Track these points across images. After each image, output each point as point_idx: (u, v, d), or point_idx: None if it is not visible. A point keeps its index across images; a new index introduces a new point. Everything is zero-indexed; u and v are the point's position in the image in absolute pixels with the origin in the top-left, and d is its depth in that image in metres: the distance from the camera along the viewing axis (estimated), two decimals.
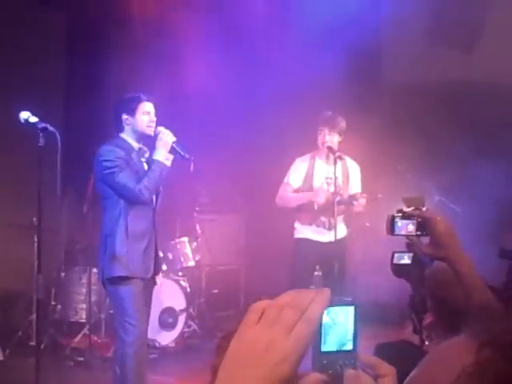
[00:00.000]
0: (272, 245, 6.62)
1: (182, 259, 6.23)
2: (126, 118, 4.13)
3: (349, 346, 0.86)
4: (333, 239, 5.01)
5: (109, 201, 4.09)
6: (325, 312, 0.80)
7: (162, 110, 4.26)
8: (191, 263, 6.29)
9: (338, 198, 5.00)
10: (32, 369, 3.84)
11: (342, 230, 5.21)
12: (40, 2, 6.74)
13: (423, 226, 1.82)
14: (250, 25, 6.85)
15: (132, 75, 6.24)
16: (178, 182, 5.24)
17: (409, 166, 6.09)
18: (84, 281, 5.87)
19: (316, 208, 5.08)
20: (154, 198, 4.20)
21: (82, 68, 6.70)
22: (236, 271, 7.47)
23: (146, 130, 4.13)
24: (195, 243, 6.37)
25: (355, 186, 5.29)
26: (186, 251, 6.28)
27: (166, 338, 5.89)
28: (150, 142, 4.19)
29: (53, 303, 5.90)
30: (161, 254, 5.00)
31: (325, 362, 0.84)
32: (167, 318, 5.89)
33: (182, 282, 6.12)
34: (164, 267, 5.85)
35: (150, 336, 4.59)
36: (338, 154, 5.02)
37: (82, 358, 5.54)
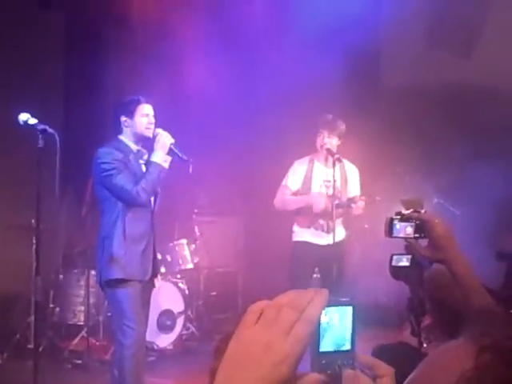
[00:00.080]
0: (271, 247, 6.62)
1: (181, 261, 6.22)
2: (125, 120, 4.13)
3: (347, 346, 0.86)
4: (331, 242, 5.00)
5: (107, 203, 4.09)
6: (323, 312, 0.80)
7: (161, 110, 4.26)
8: (190, 265, 6.29)
9: (336, 201, 5.01)
10: (30, 371, 3.82)
11: (340, 233, 5.20)
12: (40, 3, 6.74)
13: (421, 228, 1.82)
14: (249, 26, 6.86)
15: (131, 76, 6.24)
16: (177, 184, 5.24)
17: (407, 168, 6.09)
18: (82, 283, 5.86)
19: (314, 212, 5.09)
20: (153, 199, 4.20)
21: (81, 69, 6.70)
22: (234, 273, 7.46)
23: (145, 132, 4.12)
24: (194, 245, 6.37)
25: (354, 188, 5.29)
26: (185, 253, 6.28)
27: (164, 341, 5.88)
28: (148, 143, 4.19)
29: (51, 306, 5.89)
30: (159, 256, 5.00)
31: (323, 362, 0.84)
32: (165, 321, 5.89)
33: (180, 285, 6.11)
34: (162, 269, 5.85)
35: (148, 338, 4.58)
36: (336, 156, 5.02)
37: (80, 361, 5.53)
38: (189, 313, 6.19)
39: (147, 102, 4.16)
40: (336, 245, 5.03)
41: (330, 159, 5.08)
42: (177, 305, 5.97)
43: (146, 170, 4.08)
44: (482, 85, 6.65)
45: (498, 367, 0.91)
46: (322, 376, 0.83)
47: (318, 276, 5.34)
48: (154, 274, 4.26)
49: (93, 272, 5.36)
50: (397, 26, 7.00)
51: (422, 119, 6.51)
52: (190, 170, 4.32)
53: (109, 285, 4.06)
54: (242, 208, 7.55)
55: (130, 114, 4.12)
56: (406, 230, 1.85)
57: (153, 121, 4.15)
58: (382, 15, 7.16)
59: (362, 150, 5.51)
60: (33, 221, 4.41)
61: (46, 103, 5.81)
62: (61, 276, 6.00)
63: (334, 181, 5.03)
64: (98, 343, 5.77)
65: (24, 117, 3.76)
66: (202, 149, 5.73)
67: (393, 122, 6.69)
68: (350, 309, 0.86)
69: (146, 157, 4.17)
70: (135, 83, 5.83)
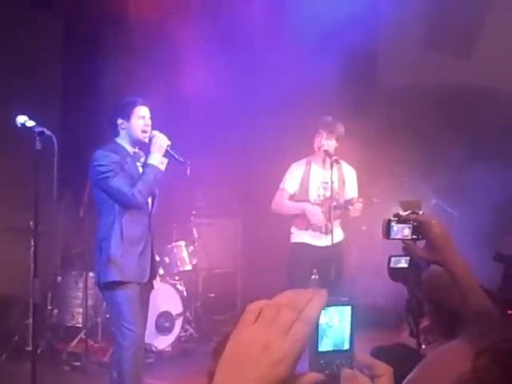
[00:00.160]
0: (269, 249, 6.62)
1: (179, 263, 6.22)
2: (121, 123, 4.13)
3: (346, 346, 0.86)
4: (329, 243, 5.01)
5: (104, 206, 4.09)
6: (323, 312, 0.80)
7: (159, 112, 4.25)
8: (188, 267, 6.28)
9: (334, 203, 5.01)
10: (28, 373, 3.81)
11: (338, 234, 5.21)
12: (38, 5, 6.74)
13: (419, 229, 1.82)
14: (248, 28, 6.86)
15: (130, 78, 6.24)
16: (175, 186, 5.24)
17: (406, 169, 6.09)
18: (80, 285, 5.85)
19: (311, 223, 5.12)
20: (150, 201, 4.19)
21: (79, 70, 6.71)
22: (233, 275, 7.46)
23: (141, 136, 4.12)
24: (192, 247, 6.36)
25: (351, 190, 5.29)
26: (183, 255, 6.27)
27: (163, 342, 5.87)
28: (145, 146, 4.18)
29: (49, 307, 5.88)
30: (157, 258, 5.00)
31: (322, 361, 0.84)
32: (164, 322, 5.88)
33: (178, 286, 6.11)
34: (161, 271, 5.84)
35: (146, 340, 4.57)
36: (334, 157, 5.02)
37: (78, 363, 5.52)
38: (187, 314, 6.19)
39: (143, 104, 4.16)
40: (334, 246, 5.04)
41: (328, 161, 5.09)
42: (175, 306, 5.97)
43: (143, 172, 4.08)
44: (480, 86, 6.66)
45: (495, 370, 0.91)
46: (320, 376, 0.83)
47: (317, 277, 5.34)
48: (153, 275, 4.25)
49: (91, 274, 5.36)
50: (395, 27, 7.00)
51: (420, 120, 6.51)
52: (188, 172, 4.32)
53: (107, 287, 4.06)
54: (240, 209, 7.54)
55: (127, 117, 4.11)
56: (403, 231, 1.85)
57: (149, 123, 4.14)
58: (381, 16, 7.16)
59: (360, 151, 5.51)
60: (31, 223, 4.42)
61: (43, 105, 5.80)
62: (59, 278, 5.99)
63: (332, 182, 5.04)
64: (96, 345, 5.76)
65: (21, 119, 3.76)
66: (200, 150, 5.74)
67: (391, 123, 6.70)
68: (348, 309, 0.86)
69: (143, 159, 4.17)
70: (134, 85, 5.83)
